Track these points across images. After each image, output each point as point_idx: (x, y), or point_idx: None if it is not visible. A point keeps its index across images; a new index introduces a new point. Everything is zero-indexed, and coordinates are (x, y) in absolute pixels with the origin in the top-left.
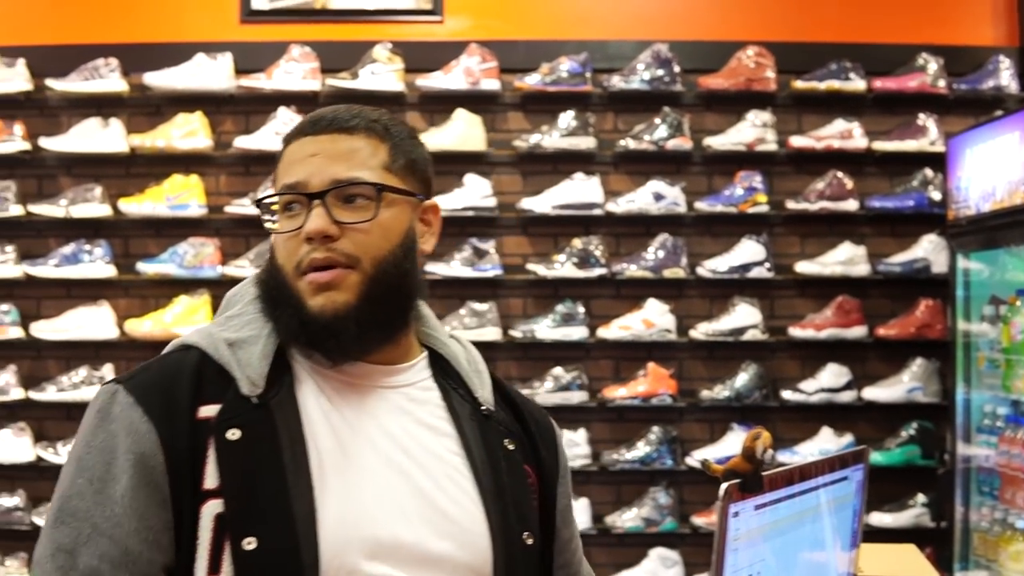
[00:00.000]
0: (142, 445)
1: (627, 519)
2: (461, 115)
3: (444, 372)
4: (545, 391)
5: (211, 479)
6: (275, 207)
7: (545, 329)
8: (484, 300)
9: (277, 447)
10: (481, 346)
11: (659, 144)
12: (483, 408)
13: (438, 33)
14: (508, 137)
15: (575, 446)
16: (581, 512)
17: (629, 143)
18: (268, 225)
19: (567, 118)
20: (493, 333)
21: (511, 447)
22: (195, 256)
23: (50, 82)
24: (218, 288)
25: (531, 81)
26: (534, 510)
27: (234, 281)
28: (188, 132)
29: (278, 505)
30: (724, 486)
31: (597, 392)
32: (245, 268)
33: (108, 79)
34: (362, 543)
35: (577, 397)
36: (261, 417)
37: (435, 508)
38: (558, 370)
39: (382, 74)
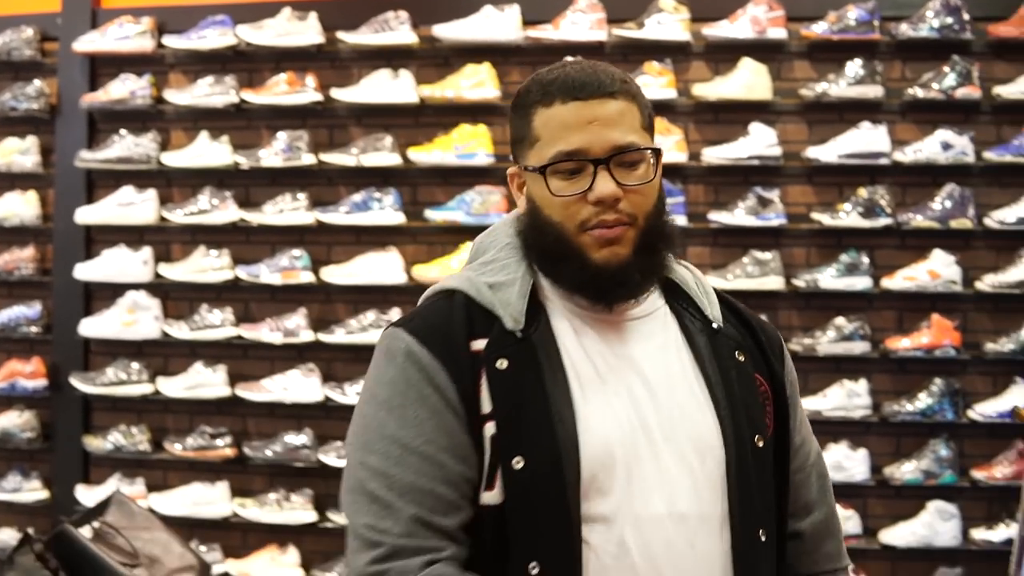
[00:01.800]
0: (435, 378)
1: (906, 471)
2: (747, 64)
3: (675, 295)
4: (827, 341)
5: (486, 404)
6: (546, 169)
7: (828, 279)
8: (767, 249)
9: (540, 375)
10: (763, 295)
11: (947, 93)
12: (713, 325)
13: None
14: (794, 86)
15: (856, 396)
16: (860, 463)
17: (917, 92)
18: (555, 188)
19: (854, 67)
20: (776, 282)
21: (741, 358)
22: (482, 204)
23: (341, 35)
24: None
25: (818, 29)
26: (767, 415)
27: None
28: (476, 83)
29: (543, 428)
30: None
31: (879, 343)
32: None
33: (398, 31)
34: (618, 461)
35: (859, 348)
36: (525, 349)
37: (679, 424)
38: (840, 320)
39: (668, 23)
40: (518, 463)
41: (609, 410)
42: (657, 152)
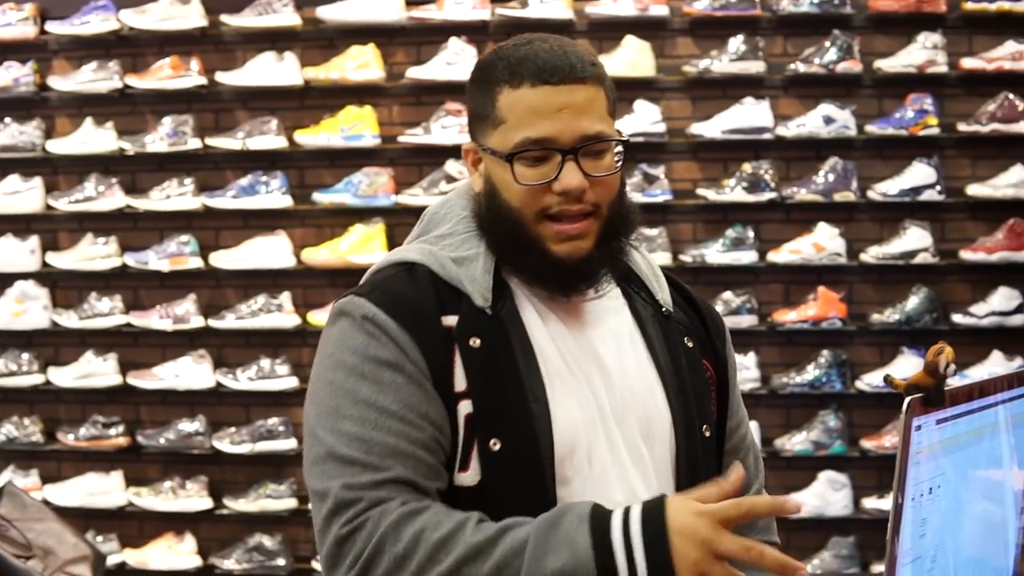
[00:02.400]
0: (405, 348)
1: (796, 442)
2: (630, 42)
3: (626, 278)
4: None
5: (460, 382)
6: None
7: (715, 254)
8: (654, 225)
9: (512, 355)
10: None
11: (829, 67)
12: (663, 309)
13: None
14: (677, 63)
15: (745, 370)
16: None
17: (799, 67)
18: (519, 175)
19: (736, 42)
20: (663, 258)
21: (690, 344)
22: (369, 185)
23: (225, 18)
24: (392, 216)
25: (700, 6)
26: (712, 403)
27: (408, 210)
28: (361, 64)
29: (519, 408)
30: (907, 400)
31: (767, 316)
32: (418, 196)
33: (282, 13)
34: (581, 445)
35: (747, 321)
36: (496, 327)
37: (630, 410)
38: (728, 294)
39: (551, 2)
40: (495, 445)
41: (571, 395)
42: (624, 141)
